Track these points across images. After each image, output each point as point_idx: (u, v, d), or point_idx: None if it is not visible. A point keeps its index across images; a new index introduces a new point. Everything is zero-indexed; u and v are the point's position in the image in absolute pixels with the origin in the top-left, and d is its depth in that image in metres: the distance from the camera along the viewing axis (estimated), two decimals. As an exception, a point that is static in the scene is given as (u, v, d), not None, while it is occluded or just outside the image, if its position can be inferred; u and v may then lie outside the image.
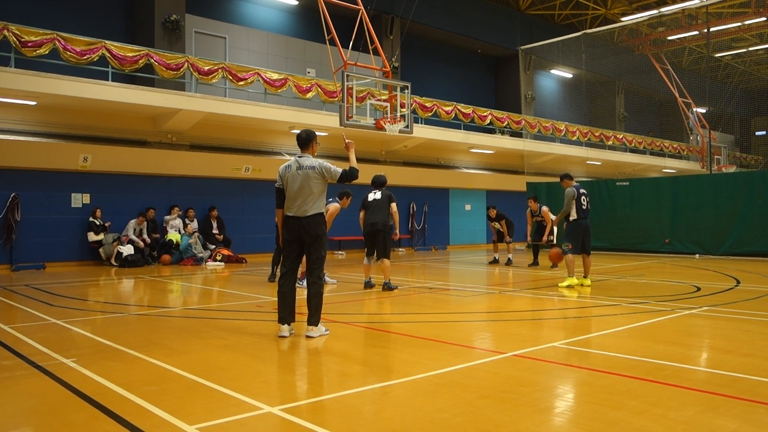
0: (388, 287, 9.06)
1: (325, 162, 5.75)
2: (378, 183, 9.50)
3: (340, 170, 5.74)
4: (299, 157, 5.77)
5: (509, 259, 14.22)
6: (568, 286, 9.27)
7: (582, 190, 9.57)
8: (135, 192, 14.74)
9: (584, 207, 9.48)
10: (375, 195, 9.34)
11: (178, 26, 16.11)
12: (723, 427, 3.21)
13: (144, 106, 13.71)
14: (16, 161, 13.00)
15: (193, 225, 15.03)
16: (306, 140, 5.84)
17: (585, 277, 9.53)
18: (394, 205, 9.33)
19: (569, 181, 9.85)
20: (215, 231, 15.42)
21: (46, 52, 12.40)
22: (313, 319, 5.60)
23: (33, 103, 12.93)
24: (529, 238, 14.07)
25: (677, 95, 27.65)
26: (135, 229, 14.13)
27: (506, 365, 4.58)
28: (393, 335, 5.88)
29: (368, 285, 9.38)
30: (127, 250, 13.67)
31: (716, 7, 24.09)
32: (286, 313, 5.63)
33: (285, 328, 5.61)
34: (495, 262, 14.40)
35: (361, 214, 9.43)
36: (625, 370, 4.36)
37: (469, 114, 20.18)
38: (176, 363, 4.60)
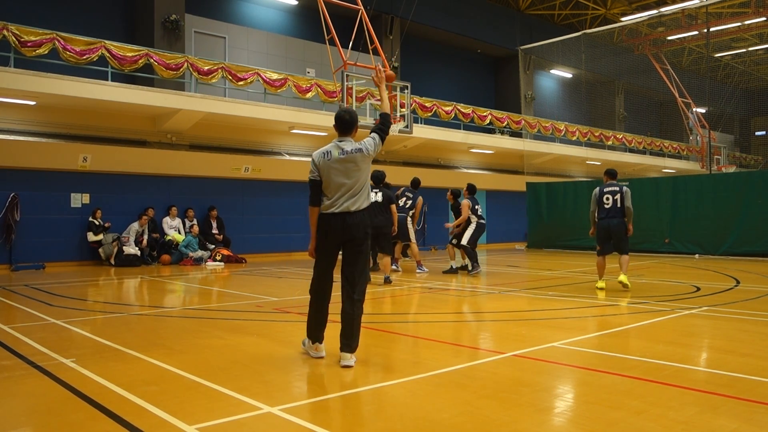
0: (388, 281, 9.86)
1: (365, 139, 4.85)
2: (378, 179, 10.11)
3: (376, 135, 4.85)
4: (339, 141, 4.77)
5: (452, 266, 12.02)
6: (600, 288, 8.82)
7: (607, 189, 9.04)
8: (134, 192, 14.73)
9: (606, 206, 8.93)
10: (376, 196, 9.91)
11: (178, 26, 16.10)
12: (723, 427, 3.21)
13: (144, 106, 13.71)
14: (16, 161, 12.99)
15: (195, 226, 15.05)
16: (350, 123, 4.82)
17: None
18: (393, 207, 10.13)
19: (606, 177, 9.24)
20: (215, 231, 15.42)
21: (46, 52, 12.40)
22: (354, 345, 4.60)
23: (32, 103, 12.92)
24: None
25: (677, 95, 27.65)
26: (138, 231, 14.11)
27: (506, 365, 4.58)
28: (393, 335, 5.88)
29: (387, 281, 9.91)
30: (130, 249, 13.67)
31: (716, 7, 24.10)
32: (322, 331, 4.81)
33: (323, 347, 4.83)
34: (454, 271, 11.82)
35: None
36: (625, 370, 4.36)
37: (469, 114, 20.18)
38: (176, 363, 4.59)
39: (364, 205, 4.69)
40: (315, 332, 4.80)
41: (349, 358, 4.55)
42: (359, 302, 4.65)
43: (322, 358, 4.75)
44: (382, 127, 4.92)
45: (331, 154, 4.70)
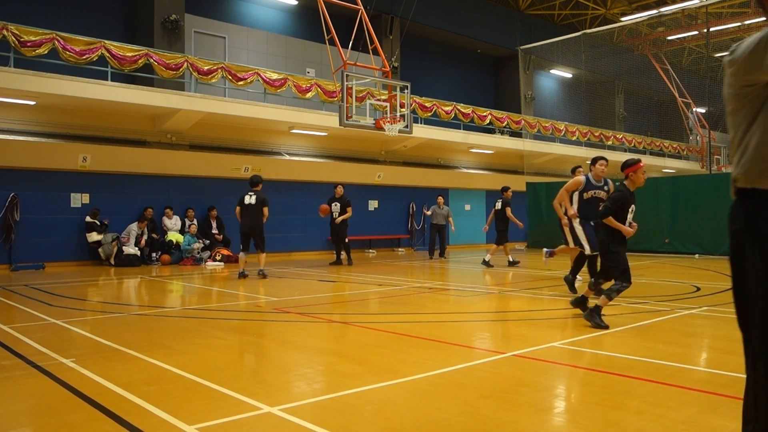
0: (262, 274, 11.05)
1: None
2: (254, 183, 11.24)
3: None
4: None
5: (510, 260, 13.59)
6: None
7: None
8: (134, 192, 14.73)
9: None
10: (251, 199, 11.04)
11: (178, 26, 16.09)
12: (723, 427, 3.21)
13: (143, 106, 13.70)
14: (16, 161, 12.99)
15: (194, 226, 15.05)
16: None
17: None
18: (266, 209, 11.15)
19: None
20: (215, 231, 15.42)
21: (46, 52, 12.40)
22: None
23: (32, 102, 12.92)
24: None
25: (677, 95, 27.66)
26: (137, 233, 14.10)
27: (506, 365, 4.57)
28: (393, 335, 5.88)
29: (242, 275, 11.01)
30: (130, 249, 13.69)
31: (716, 7, 24.10)
32: None
33: None
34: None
35: (238, 209, 11.18)
36: (625, 370, 4.36)
37: (469, 114, 20.18)
38: (176, 363, 4.59)
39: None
40: None
41: None
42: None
43: None
44: None
45: None
